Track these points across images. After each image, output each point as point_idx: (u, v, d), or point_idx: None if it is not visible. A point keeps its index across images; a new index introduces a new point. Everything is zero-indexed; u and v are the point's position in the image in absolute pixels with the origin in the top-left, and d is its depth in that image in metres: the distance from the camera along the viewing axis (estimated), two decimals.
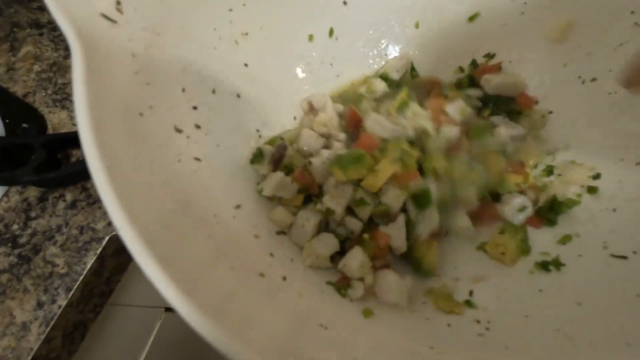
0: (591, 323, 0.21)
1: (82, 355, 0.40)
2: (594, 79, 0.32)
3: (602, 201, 0.29)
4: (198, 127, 0.27)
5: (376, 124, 0.32)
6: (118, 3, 0.21)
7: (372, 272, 0.27)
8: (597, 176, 0.30)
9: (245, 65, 0.33)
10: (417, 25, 0.39)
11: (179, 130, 0.24)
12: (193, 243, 0.18)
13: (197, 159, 0.25)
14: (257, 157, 0.31)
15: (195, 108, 0.27)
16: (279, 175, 0.29)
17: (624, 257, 0.25)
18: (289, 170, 0.30)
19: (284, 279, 0.23)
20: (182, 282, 0.13)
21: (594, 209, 0.29)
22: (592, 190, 0.30)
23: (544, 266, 0.27)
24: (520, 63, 0.37)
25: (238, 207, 0.26)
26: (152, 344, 0.61)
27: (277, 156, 0.31)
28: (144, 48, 0.22)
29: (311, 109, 0.36)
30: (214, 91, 0.29)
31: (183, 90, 0.26)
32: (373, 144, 0.30)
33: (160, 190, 0.19)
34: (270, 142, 0.33)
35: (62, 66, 0.43)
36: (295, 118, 0.37)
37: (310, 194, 0.31)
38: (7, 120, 0.38)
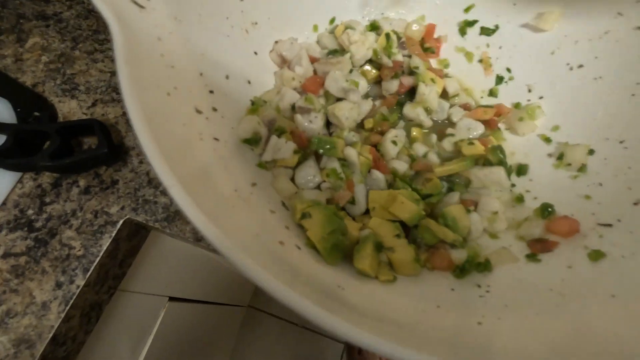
0: (581, 281, 0.24)
1: (94, 338, 0.41)
2: (580, 66, 0.34)
3: (590, 177, 0.31)
4: (215, 109, 0.28)
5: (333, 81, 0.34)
6: None
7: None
8: (591, 152, 0.32)
9: (255, 53, 0.35)
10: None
11: (199, 112, 0.26)
12: (218, 208, 0.20)
13: (216, 139, 0.27)
14: (253, 140, 0.31)
15: (211, 92, 0.28)
16: (274, 138, 0.30)
17: (610, 225, 0.27)
18: (280, 132, 0.32)
19: (299, 247, 0.25)
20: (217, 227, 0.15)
21: (583, 185, 0.32)
22: (582, 168, 0.32)
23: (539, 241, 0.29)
24: (512, 51, 0.39)
25: (254, 184, 0.28)
26: (157, 332, 0.62)
27: (267, 122, 0.32)
28: (168, 33, 0.24)
29: (284, 62, 0.36)
30: (227, 77, 0.31)
31: (201, 74, 0.27)
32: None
33: (191, 162, 0.20)
34: (254, 108, 0.33)
35: (69, 57, 0.44)
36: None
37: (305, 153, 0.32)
38: (18, 109, 0.39)
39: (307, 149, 0.32)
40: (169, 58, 0.23)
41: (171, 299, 0.67)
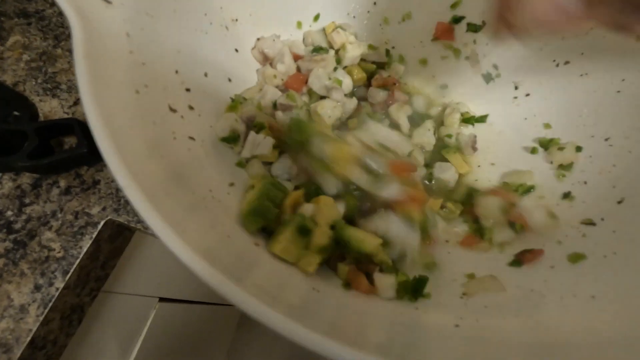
0: (561, 281, 0.23)
1: (78, 341, 0.41)
2: (567, 62, 0.34)
3: (575, 175, 0.31)
4: (191, 108, 0.28)
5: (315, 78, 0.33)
6: None
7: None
8: (578, 149, 0.32)
9: (236, 50, 0.34)
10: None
11: (173, 110, 0.25)
12: (191, 209, 0.19)
13: (192, 138, 0.26)
14: (232, 138, 0.30)
15: (188, 90, 0.28)
16: (252, 134, 0.30)
17: (593, 224, 0.27)
18: (259, 129, 0.31)
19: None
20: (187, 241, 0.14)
21: (568, 183, 0.31)
22: (567, 167, 0.32)
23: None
24: (499, 48, 0.38)
25: (232, 184, 0.27)
26: (147, 334, 0.62)
27: (246, 119, 0.31)
28: (139, 29, 0.23)
29: (266, 59, 0.36)
30: (206, 74, 0.30)
31: (176, 72, 0.27)
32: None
33: (158, 162, 0.20)
34: (234, 105, 0.32)
35: (51, 55, 0.44)
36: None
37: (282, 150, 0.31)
38: None
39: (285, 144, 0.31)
40: (140, 55, 0.23)
41: (161, 299, 0.66)
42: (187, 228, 0.15)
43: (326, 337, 0.13)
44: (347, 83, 0.36)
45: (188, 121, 0.27)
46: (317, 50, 0.38)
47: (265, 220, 0.24)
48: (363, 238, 0.25)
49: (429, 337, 0.19)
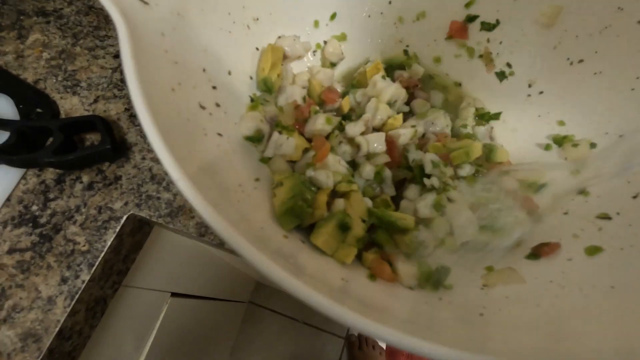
0: (580, 273, 0.24)
1: (99, 333, 0.42)
2: (581, 60, 0.35)
3: (590, 171, 0.32)
4: (218, 105, 0.28)
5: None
6: None
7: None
8: (593, 145, 0.33)
9: (257, 49, 0.35)
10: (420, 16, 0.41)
11: (202, 107, 0.26)
12: (226, 202, 0.20)
13: (219, 134, 0.27)
14: (256, 137, 0.31)
15: (214, 88, 0.29)
16: (275, 134, 0.31)
17: (609, 218, 0.27)
18: (281, 128, 0.32)
19: (303, 241, 0.25)
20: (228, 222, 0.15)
21: (582, 180, 0.32)
22: (582, 163, 0.33)
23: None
24: (513, 47, 0.39)
25: (257, 179, 0.28)
26: (160, 327, 0.63)
27: (269, 119, 0.32)
28: (171, 28, 0.24)
29: (285, 58, 0.36)
30: (229, 72, 0.31)
31: (204, 70, 0.28)
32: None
33: (194, 157, 0.20)
34: (255, 105, 0.33)
35: (70, 53, 0.44)
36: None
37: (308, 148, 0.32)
38: (20, 106, 0.39)
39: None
40: (173, 54, 0.24)
41: (173, 294, 0.67)
42: (232, 221, 0.16)
43: (368, 319, 0.14)
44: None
45: (215, 118, 0.27)
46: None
47: (300, 219, 0.26)
48: (401, 216, 0.28)
49: (454, 321, 0.19)
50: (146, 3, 0.22)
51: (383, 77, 0.38)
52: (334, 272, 0.23)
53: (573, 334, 0.18)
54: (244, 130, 0.30)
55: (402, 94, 0.38)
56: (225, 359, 1.33)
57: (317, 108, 0.35)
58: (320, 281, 0.18)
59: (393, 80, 0.40)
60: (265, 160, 0.31)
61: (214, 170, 0.22)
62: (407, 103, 0.40)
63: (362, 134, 0.34)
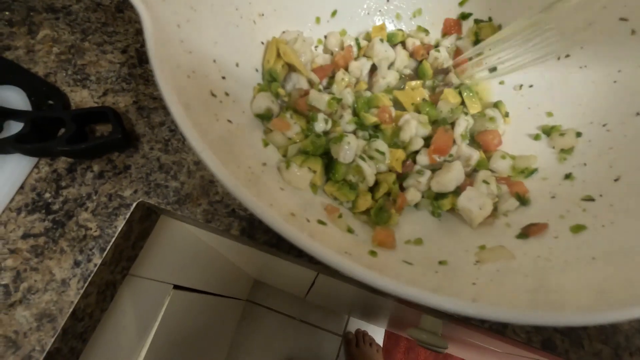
0: (565, 248, 0.26)
1: (107, 317, 0.43)
2: (567, 55, 0.37)
3: (576, 157, 0.34)
4: (227, 94, 0.30)
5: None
6: None
7: None
8: (578, 134, 0.35)
9: (262, 43, 0.36)
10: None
11: (214, 95, 0.28)
12: (243, 176, 0.22)
13: (229, 121, 0.29)
14: (266, 115, 0.33)
15: (224, 78, 0.30)
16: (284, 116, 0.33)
17: (592, 200, 0.29)
18: (291, 111, 0.34)
19: (308, 220, 0.27)
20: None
21: (569, 165, 0.34)
22: (568, 151, 0.35)
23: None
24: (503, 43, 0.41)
25: (264, 164, 0.30)
26: (162, 319, 0.64)
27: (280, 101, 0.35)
28: (185, 21, 0.26)
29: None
30: (237, 64, 0.33)
31: (214, 61, 0.29)
32: None
33: (213, 134, 0.22)
34: (263, 87, 0.35)
35: (80, 48, 0.46)
36: None
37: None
38: (32, 98, 0.40)
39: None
40: (187, 44, 0.25)
41: (175, 287, 0.68)
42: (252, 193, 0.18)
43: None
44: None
45: (225, 105, 0.29)
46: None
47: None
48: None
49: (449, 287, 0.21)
50: None
51: (381, 40, 0.40)
52: (337, 245, 0.24)
53: (557, 289, 0.20)
54: (255, 108, 0.32)
55: (403, 58, 0.41)
56: (223, 356, 1.34)
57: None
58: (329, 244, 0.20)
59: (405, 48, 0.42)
60: (267, 143, 0.33)
61: (228, 148, 0.24)
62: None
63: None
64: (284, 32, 0.39)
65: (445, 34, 0.44)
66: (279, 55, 0.35)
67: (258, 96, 0.33)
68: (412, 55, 0.43)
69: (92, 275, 0.35)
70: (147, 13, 0.20)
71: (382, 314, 0.98)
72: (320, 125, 0.33)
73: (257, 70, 0.36)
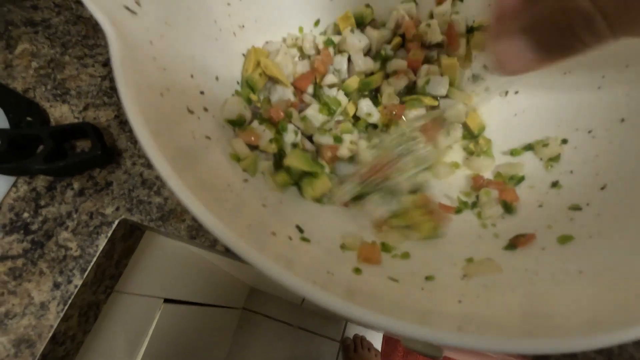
0: (553, 260, 0.26)
1: (92, 338, 0.42)
2: None
3: (562, 165, 0.33)
4: (206, 109, 0.29)
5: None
6: None
7: None
8: (564, 141, 0.34)
9: (243, 55, 0.36)
10: None
11: (191, 111, 0.27)
12: (216, 198, 0.21)
13: (208, 137, 0.28)
14: (237, 122, 0.33)
15: (202, 93, 0.30)
16: (255, 123, 0.32)
17: (580, 209, 0.29)
18: (261, 120, 0.34)
19: (290, 238, 0.26)
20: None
21: (556, 173, 0.34)
22: (555, 159, 0.34)
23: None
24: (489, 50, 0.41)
25: (245, 180, 0.29)
26: (153, 334, 0.63)
27: (253, 107, 0.34)
28: (159, 36, 0.25)
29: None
30: (217, 78, 0.32)
31: (192, 76, 0.29)
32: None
33: (185, 158, 0.21)
34: (238, 92, 0.35)
35: (59, 62, 0.45)
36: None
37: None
38: (10, 115, 0.39)
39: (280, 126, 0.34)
40: (161, 61, 0.25)
41: (166, 300, 0.67)
42: (222, 218, 0.17)
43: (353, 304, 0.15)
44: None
45: (204, 121, 0.28)
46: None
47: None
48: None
49: (435, 310, 0.21)
50: (134, 13, 0.23)
51: (352, 30, 0.40)
52: (320, 265, 0.24)
53: (544, 312, 0.20)
54: (227, 113, 0.31)
55: (378, 38, 0.40)
56: None
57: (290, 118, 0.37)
58: (310, 273, 0.19)
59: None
60: (235, 157, 0.31)
61: (203, 171, 0.23)
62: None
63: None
64: (267, 42, 0.38)
65: (439, 2, 0.42)
66: (258, 64, 0.35)
67: (230, 100, 0.32)
68: (402, 34, 0.41)
69: (72, 297, 0.34)
70: (113, 31, 0.19)
71: None
72: (290, 136, 0.33)
73: (238, 82, 0.35)
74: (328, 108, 0.35)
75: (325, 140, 0.35)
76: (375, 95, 0.41)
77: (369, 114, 0.38)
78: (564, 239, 0.27)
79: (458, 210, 0.35)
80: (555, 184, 0.32)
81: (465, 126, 0.40)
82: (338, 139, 0.35)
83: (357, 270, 0.26)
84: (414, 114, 0.40)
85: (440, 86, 0.40)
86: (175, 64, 0.27)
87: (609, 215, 0.27)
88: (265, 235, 0.24)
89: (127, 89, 0.18)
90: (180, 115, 0.25)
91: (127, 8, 0.22)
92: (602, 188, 0.29)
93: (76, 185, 0.38)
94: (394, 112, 0.39)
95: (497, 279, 0.26)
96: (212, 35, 0.32)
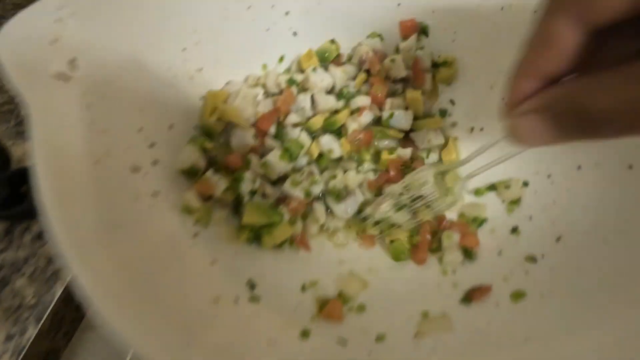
0: (503, 322, 0.25)
1: None
2: None
3: (523, 209, 0.33)
4: (155, 162, 0.29)
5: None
6: (73, 60, 0.23)
7: None
8: (525, 184, 0.34)
9: (200, 99, 0.35)
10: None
11: (136, 170, 0.26)
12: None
13: (154, 195, 0.27)
14: (191, 171, 0.32)
15: (152, 145, 0.29)
16: (210, 172, 0.32)
17: (535, 261, 0.29)
18: (217, 168, 0.33)
19: (236, 301, 0.26)
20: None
21: (516, 217, 0.33)
22: (516, 201, 0.34)
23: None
24: (454, 86, 0.41)
25: (195, 235, 0.29)
26: None
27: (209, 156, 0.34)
28: (100, 97, 0.24)
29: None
30: (171, 127, 0.32)
31: (140, 129, 0.28)
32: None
33: (118, 237, 0.21)
34: (193, 140, 0.33)
35: None
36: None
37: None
38: None
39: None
40: (101, 123, 0.24)
41: None
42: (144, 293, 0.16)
43: None
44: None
45: (152, 176, 0.28)
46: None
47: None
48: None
49: None
50: (68, 78, 0.22)
51: (314, 69, 0.39)
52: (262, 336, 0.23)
53: None
54: (180, 163, 0.31)
55: (340, 77, 0.40)
56: None
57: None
58: None
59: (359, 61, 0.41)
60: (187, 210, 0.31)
61: (141, 243, 0.23)
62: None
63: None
64: (228, 82, 0.37)
65: (404, 37, 0.42)
66: (215, 109, 0.34)
67: (184, 150, 0.31)
68: (367, 70, 0.41)
69: (26, 348, 0.33)
70: (34, 102, 0.19)
71: None
72: (246, 185, 0.32)
73: (194, 128, 0.34)
74: (290, 154, 0.34)
75: (297, 193, 0.34)
76: (339, 132, 0.40)
77: (330, 150, 0.38)
78: (517, 296, 0.27)
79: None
80: (514, 230, 0.32)
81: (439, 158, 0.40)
82: (308, 194, 0.34)
83: (305, 334, 0.25)
84: (385, 143, 0.39)
85: (403, 120, 0.39)
86: (120, 121, 0.26)
87: (562, 272, 0.27)
88: (206, 305, 0.24)
89: (44, 179, 0.17)
90: (121, 177, 0.25)
91: (59, 76, 0.22)
92: (557, 239, 0.29)
93: (35, 229, 0.38)
94: (359, 137, 0.38)
95: (447, 341, 0.25)
96: (166, 83, 0.32)
